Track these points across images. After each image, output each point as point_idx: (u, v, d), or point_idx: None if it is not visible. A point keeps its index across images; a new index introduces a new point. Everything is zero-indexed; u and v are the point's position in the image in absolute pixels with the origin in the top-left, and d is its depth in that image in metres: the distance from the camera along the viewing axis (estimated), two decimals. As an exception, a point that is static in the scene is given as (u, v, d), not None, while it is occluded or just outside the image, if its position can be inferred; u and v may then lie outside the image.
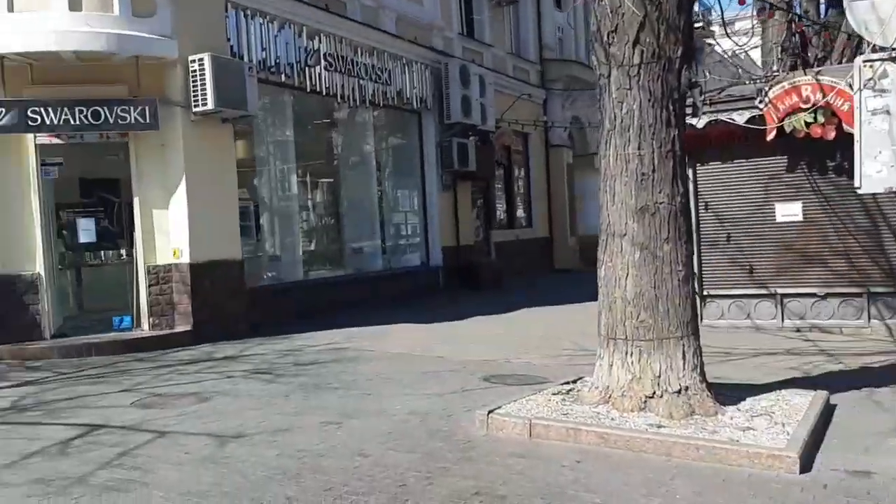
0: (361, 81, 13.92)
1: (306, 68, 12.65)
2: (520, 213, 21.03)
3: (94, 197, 10.53)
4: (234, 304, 10.79)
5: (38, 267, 9.87)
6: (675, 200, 5.59)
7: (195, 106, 10.10)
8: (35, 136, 9.82)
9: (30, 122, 9.60)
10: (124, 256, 10.52)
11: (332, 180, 14.77)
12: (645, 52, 5.50)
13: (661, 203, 5.56)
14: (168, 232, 10.32)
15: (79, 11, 9.48)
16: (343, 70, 13.46)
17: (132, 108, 9.88)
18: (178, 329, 10.19)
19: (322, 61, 12.96)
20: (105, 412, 6.63)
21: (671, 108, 5.61)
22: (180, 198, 10.25)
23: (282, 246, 13.32)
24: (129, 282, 10.34)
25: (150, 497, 4.48)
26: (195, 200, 10.30)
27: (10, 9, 9.48)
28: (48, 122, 9.64)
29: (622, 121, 5.62)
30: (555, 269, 21.55)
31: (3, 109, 9.52)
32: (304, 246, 13.50)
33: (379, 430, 5.74)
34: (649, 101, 5.54)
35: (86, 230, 10.25)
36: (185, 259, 10.23)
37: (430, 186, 16.22)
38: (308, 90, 12.83)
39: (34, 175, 9.86)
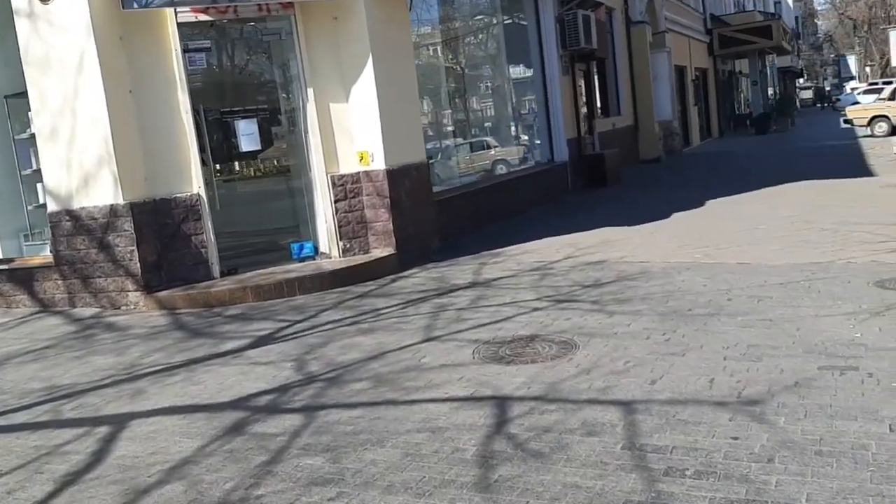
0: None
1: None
2: (610, 99, 18.95)
3: (254, 92, 8.21)
4: (426, 217, 8.76)
5: (196, 186, 7.64)
6: None
7: (382, -39, 7.74)
8: (176, 12, 7.39)
9: (174, -9, 7.20)
10: (297, 166, 8.30)
11: (459, 70, 12.49)
12: None
13: None
14: (350, 132, 8.11)
15: None
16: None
17: (304, -32, 7.51)
18: (378, 253, 8.13)
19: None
20: (467, 373, 4.70)
21: None
22: (365, 87, 7.99)
23: (435, 148, 11.14)
24: (307, 198, 8.19)
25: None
26: (384, 90, 8.06)
27: None
28: (197, -10, 7.25)
29: None
30: (641, 160, 19.75)
31: (140, -25, 7.08)
32: (455, 148, 11.34)
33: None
34: None
35: (247, 135, 7.97)
36: (380, 165, 8.07)
37: (550, 71, 13.85)
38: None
39: (178, 65, 7.48)
